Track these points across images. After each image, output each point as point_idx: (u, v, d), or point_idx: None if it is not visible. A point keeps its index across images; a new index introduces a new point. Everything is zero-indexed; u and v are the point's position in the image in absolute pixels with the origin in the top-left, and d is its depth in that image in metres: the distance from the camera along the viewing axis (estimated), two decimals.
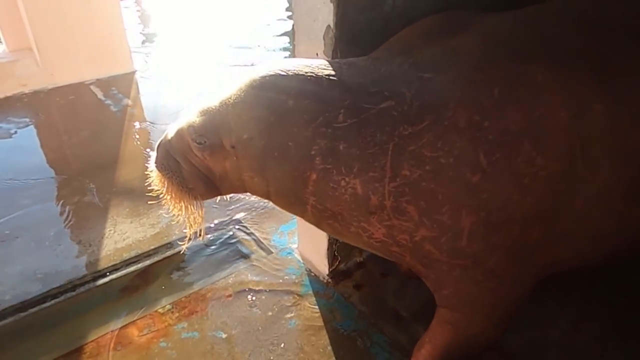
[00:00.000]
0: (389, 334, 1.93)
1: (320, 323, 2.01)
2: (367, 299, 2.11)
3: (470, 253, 1.33)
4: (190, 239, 1.67)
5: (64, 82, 4.43)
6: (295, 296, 2.15)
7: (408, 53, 1.46)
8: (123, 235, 2.55)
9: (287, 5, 7.52)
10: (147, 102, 4.20)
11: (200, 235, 1.65)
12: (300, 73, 1.39)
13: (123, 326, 2.01)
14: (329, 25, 1.64)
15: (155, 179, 1.57)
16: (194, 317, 2.04)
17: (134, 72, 4.75)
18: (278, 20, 6.74)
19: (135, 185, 2.97)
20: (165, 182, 1.53)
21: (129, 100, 4.19)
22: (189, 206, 1.56)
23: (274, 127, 1.35)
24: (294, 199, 1.45)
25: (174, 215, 1.58)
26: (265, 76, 1.39)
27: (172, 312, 2.08)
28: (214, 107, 1.42)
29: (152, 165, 1.57)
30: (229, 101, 1.40)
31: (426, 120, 1.29)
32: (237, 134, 1.39)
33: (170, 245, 2.48)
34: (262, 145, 1.37)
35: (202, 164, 1.50)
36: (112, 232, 2.58)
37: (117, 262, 2.37)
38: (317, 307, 2.09)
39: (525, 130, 1.26)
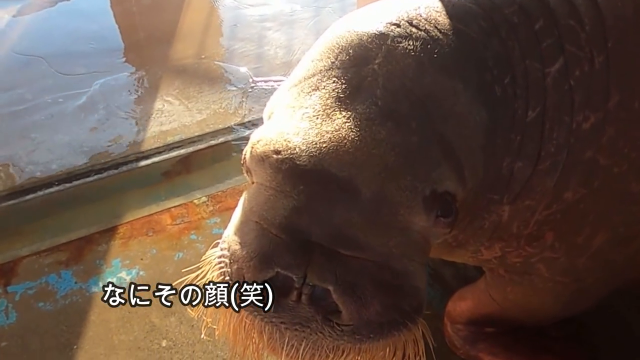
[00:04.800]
0: (432, 265, 1.75)
1: None
2: None
3: (579, 270, 1.07)
4: None
5: None
6: None
7: None
8: (170, 118, 2.44)
9: None
10: None
11: None
12: (459, 26, 0.87)
13: (157, 212, 1.96)
14: None
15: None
16: (227, 213, 1.95)
17: None
18: None
19: (187, 65, 2.81)
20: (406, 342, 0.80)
21: None
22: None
23: (491, 134, 0.87)
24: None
25: None
26: (440, 50, 0.85)
27: (207, 205, 2.00)
28: (409, 148, 0.78)
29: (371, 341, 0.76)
30: (430, 120, 0.81)
31: (612, 98, 0.87)
32: (469, 164, 0.85)
33: (215, 134, 2.34)
34: (481, 169, 0.89)
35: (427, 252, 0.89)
36: (159, 113, 2.48)
37: (161, 145, 2.29)
38: None
39: None
